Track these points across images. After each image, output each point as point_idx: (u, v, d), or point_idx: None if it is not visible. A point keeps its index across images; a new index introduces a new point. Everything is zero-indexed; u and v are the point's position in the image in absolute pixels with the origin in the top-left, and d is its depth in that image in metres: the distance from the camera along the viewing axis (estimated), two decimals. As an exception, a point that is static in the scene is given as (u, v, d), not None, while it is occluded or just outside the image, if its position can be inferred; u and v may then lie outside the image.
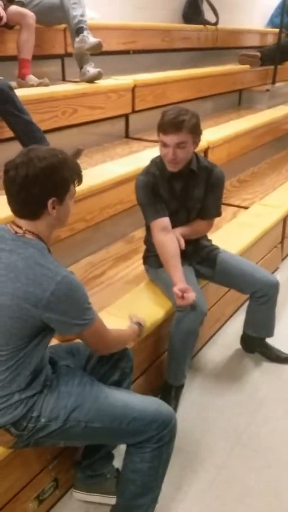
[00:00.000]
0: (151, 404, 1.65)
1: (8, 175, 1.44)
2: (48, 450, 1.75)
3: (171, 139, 2.10)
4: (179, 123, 2.07)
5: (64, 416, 1.53)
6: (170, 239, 2.24)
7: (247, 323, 2.62)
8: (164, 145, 2.13)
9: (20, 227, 1.47)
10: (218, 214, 2.43)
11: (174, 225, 2.30)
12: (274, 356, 2.66)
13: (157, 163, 2.26)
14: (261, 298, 2.46)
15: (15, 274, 1.41)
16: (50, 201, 1.45)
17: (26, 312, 1.41)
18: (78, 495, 1.86)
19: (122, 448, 1.73)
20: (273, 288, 2.46)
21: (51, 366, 1.65)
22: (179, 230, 2.32)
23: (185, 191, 2.29)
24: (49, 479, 1.80)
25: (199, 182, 2.29)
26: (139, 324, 1.93)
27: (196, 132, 2.14)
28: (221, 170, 2.34)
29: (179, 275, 2.16)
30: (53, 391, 1.56)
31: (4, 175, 1.45)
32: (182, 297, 2.07)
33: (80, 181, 1.55)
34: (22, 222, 1.48)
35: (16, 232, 1.47)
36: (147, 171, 2.26)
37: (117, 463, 1.84)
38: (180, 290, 2.08)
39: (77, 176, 1.52)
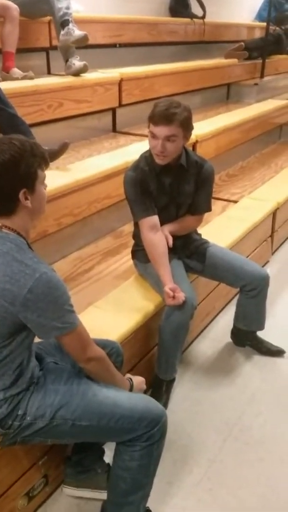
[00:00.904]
0: (140, 401, 1.61)
1: None
2: (38, 446, 1.73)
3: (161, 130, 2.07)
4: (170, 115, 2.04)
5: (50, 414, 1.50)
6: (158, 237, 2.22)
7: (237, 317, 2.61)
8: (153, 136, 2.11)
9: None
10: (208, 209, 2.41)
11: (164, 220, 2.28)
12: (265, 349, 2.66)
13: (146, 157, 2.23)
14: (251, 292, 2.45)
15: None
16: (21, 193, 1.42)
17: (4, 309, 1.38)
18: (68, 490, 1.84)
19: (113, 442, 1.71)
20: (263, 281, 2.45)
21: (38, 362, 1.62)
22: (168, 228, 2.30)
23: (175, 186, 2.27)
24: (39, 476, 1.78)
25: (189, 177, 2.27)
26: (130, 379, 1.77)
27: (186, 126, 2.11)
28: (211, 165, 2.33)
29: (168, 274, 2.16)
30: (40, 389, 1.54)
31: None
32: (173, 297, 2.07)
33: (46, 164, 1.51)
34: None
35: None
36: (136, 166, 2.23)
37: (109, 456, 1.81)
38: (171, 290, 2.08)
39: (42, 160, 1.48)
